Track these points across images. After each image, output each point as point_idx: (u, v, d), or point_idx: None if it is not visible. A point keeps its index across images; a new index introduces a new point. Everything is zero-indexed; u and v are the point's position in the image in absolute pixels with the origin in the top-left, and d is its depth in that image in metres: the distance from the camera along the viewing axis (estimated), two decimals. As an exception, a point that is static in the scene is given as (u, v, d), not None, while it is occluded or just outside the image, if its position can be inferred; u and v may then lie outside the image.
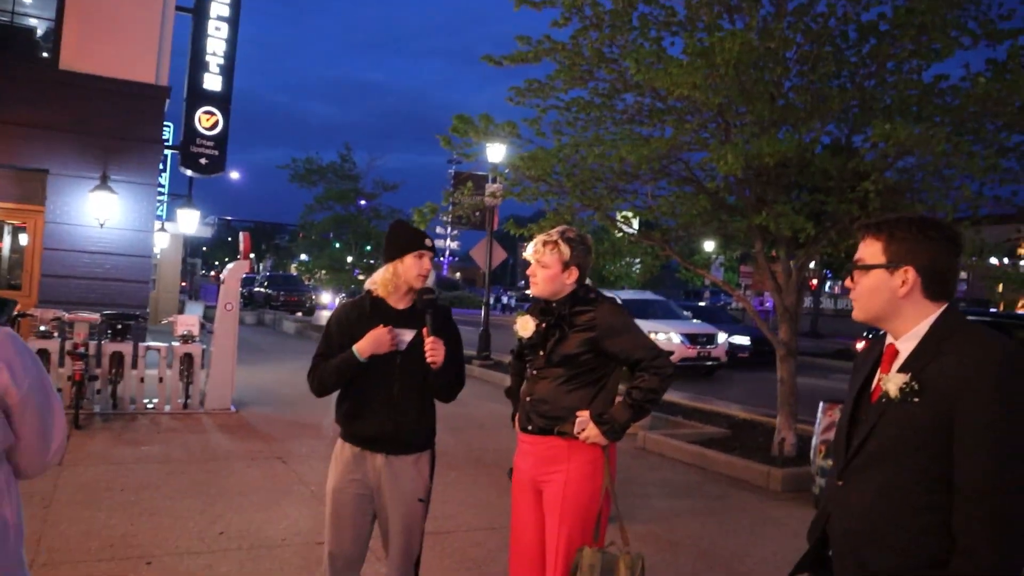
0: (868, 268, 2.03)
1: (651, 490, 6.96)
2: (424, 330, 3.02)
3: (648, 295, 19.47)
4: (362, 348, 2.98)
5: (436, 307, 3.10)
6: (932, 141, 6.25)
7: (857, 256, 2.07)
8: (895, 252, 1.99)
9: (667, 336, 15.90)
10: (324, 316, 26.71)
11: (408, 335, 3.07)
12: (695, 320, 18.29)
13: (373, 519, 3.16)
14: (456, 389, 3.21)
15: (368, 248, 25.03)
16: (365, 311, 3.11)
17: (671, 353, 16.67)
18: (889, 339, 2.05)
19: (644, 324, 15.67)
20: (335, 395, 3.17)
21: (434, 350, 2.98)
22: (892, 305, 1.99)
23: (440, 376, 3.05)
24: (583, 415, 2.93)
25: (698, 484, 7.31)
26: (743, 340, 18.83)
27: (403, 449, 3.08)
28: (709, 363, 16.60)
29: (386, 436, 3.04)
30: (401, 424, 3.05)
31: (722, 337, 16.92)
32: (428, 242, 3.12)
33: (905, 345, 1.98)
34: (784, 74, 7.25)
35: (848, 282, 2.11)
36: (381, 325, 3.00)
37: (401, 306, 3.13)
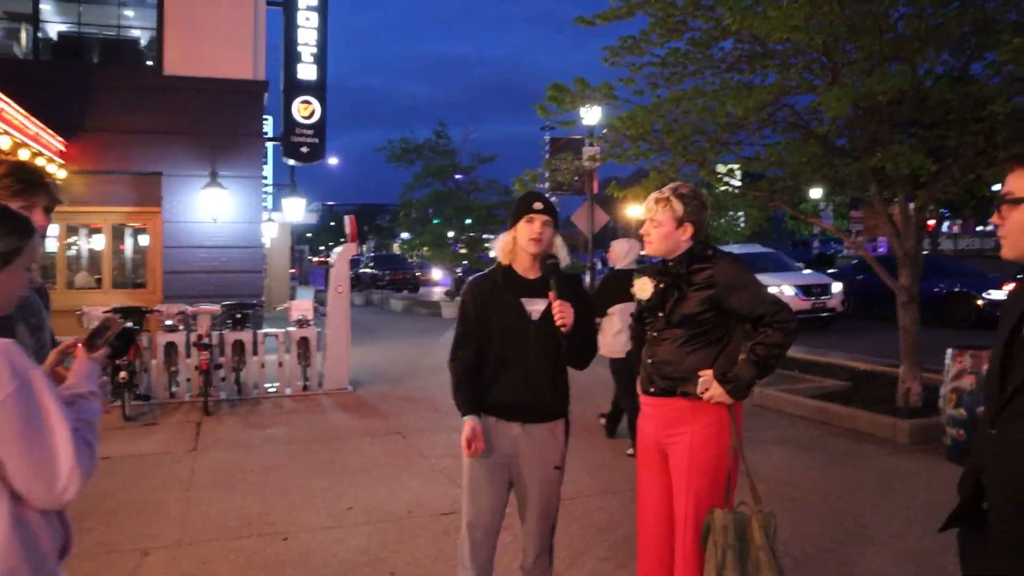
0: (1019, 201, 1.88)
1: (771, 448, 6.81)
2: (551, 295, 3.01)
3: (757, 248, 18.96)
4: (464, 434, 3.03)
5: (561, 272, 3.07)
6: None
7: (1005, 189, 1.91)
8: None
9: (779, 289, 15.34)
10: (432, 293, 27.14)
11: (540, 304, 3.07)
12: (807, 271, 17.55)
13: (509, 488, 3.19)
14: (588, 355, 3.19)
15: (468, 222, 25.22)
16: (497, 282, 3.12)
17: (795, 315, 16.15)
18: None
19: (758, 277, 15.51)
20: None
21: (563, 313, 2.96)
22: None
23: (570, 339, 3.02)
24: (706, 374, 2.88)
25: (819, 439, 7.11)
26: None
27: (539, 417, 3.10)
28: (825, 314, 15.97)
29: (522, 405, 3.07)
30: (536, 393, 3.07)
31: (837, 287, 16.24)
32: (538, 204, 3.08)
33: None
34: (892, 3, 6.85)
35: (995, 218, 1.95)
36: (469, 428, 3.02)
37: (531, 276, 3.12)
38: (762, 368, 2.84)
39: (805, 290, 15.81)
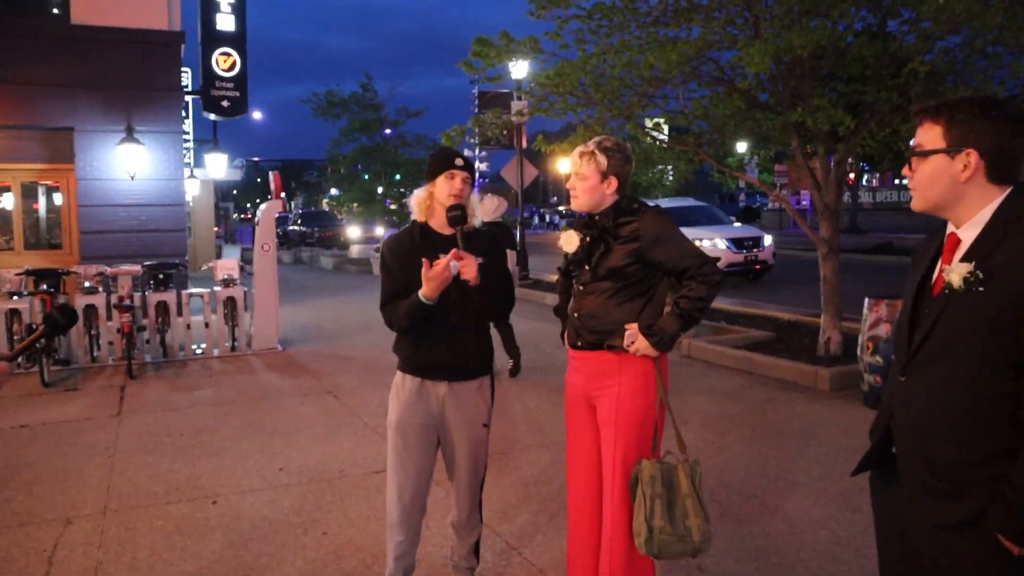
0: (927, 154, 1.93)
1: (698, 398, 6.99)
2: (454, 251, 2.96)
3: (689, 201, 19.09)
4: (427, 293, 2.92)
5: (473, 233, 3.06)
6: (988, 13, 5.96)
7: (915, 142, 1.97)
8: (955, 135, 1.89)
9: (712, 242, 15.58)
10: (358, 250, 26.85)
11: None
12: (737, 224, 17.73)
13: (436, 449, 3.20)
14: (504, 308, 3.20)
15: (397, 177, 24.93)
16: (415, 239, 3.09)
17: (718, 259, 16.61)
18: (950, 228, 1.97)
19: (687, 232, 15.52)
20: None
21: (464, 266, 2.93)
22: (953, 191, 1.91)
23: (479, 292, 2.99)
24: (632, 328, 2.90)
25: (745, 389, 7.32)
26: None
27: (465, 375, 3.10)
28: (757, 267, 16.23)
29: (448, 364, 3.06)
30: (461, 351, 3.07)
31: (768, 240, 16.44)
32: (459, 161, 3.06)
33: (968, 233, 1.90)
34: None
35: (905, 170, 2.01)
36: (427, 261, 2.91)
37: (447, 232, 3.08)
38: (686, 321, 2.88)
39: (737, 243, 15.96)
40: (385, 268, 3.14)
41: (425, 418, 3.11)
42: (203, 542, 4.17)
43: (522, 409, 6.70)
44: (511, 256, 8.29)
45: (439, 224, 3.10)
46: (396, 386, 3.18)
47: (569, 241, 3.09)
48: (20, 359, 8.46)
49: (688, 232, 15.54)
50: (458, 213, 3.01)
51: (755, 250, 16.07)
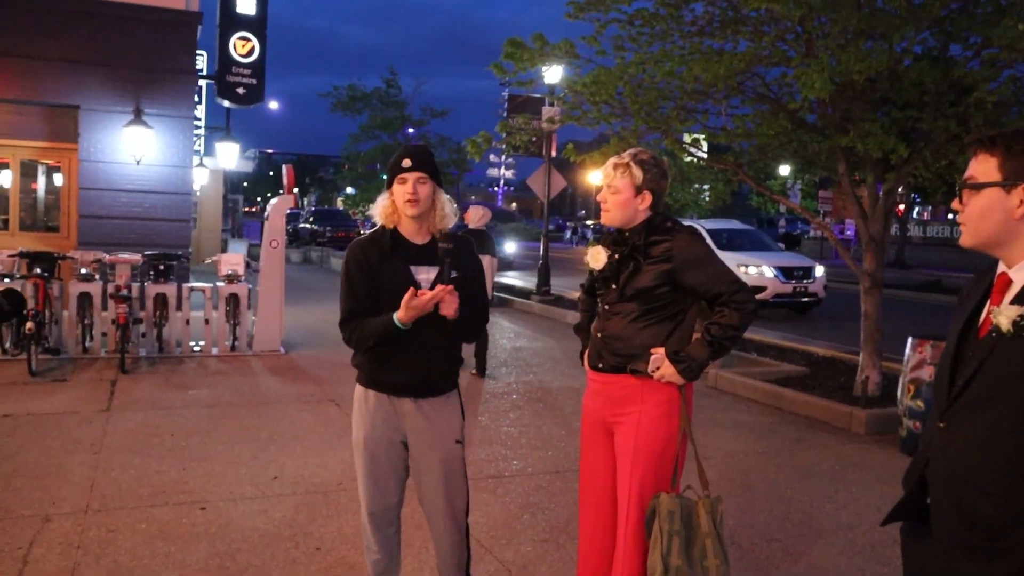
0: (980, 187, 1.92)
1: (723, 432, 6.95)
2: (439, 286, 2.93)
3: (735, 224, 18.71)
4: (404, 318, 2.88)
5: (455, 255, 3.01)
6: None
7: (967, 174, 1.95)
8: (1012, 168, 1.87)
9: (759, 270, 15.22)
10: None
11: (431, 272, 3.02)
12: (786, 251, 17.29)
13: (407, 466, 3.17)
14: (477, 329, 3.19)
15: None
16: (385, 249, 3.02)
17: (759, 289, 14.86)
18: (1001, 267, 1.95)
19: (733, 257, 15.14)
20: None
21: (446, 303, 2.89)
22: (1006, 228, 1.89)
23: (457, 325, 2.99)
24: (658, 352, 2.91)
25: (774, 426, 7.27)
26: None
27: (432, 392, 3.07)
28: (806, 299, 15.68)
29: (415, 381, 3.03)
30: (431, 367, 3.05)
31: (820, 270, 15.93)
32: (407, 162, 2.98)
33: (1020, 274, 1.89)
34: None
35: (955, 203, 1.99)
36: (413, 289, 2.88)
37: (419, 240, 3.06)
38: (716, 349, 2.88)
39: (786, 272, 15.48)
40: (348, 280, 3.05)
41: (394, 434, 3.09)
42: (188, 549, 4.19)
43: (535, 433, 6.70)
44: (490, 263, 8.68)
45: (410, 232, 3.06)
46: (359, 402, 3.14)
47: (596, 257, 3.10)
48: (8, 345, 8.56)
49: (732, 257, 15.10)
50: (448, 248, 2.99)
51: (805, 281, 15.57)
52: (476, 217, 9.08)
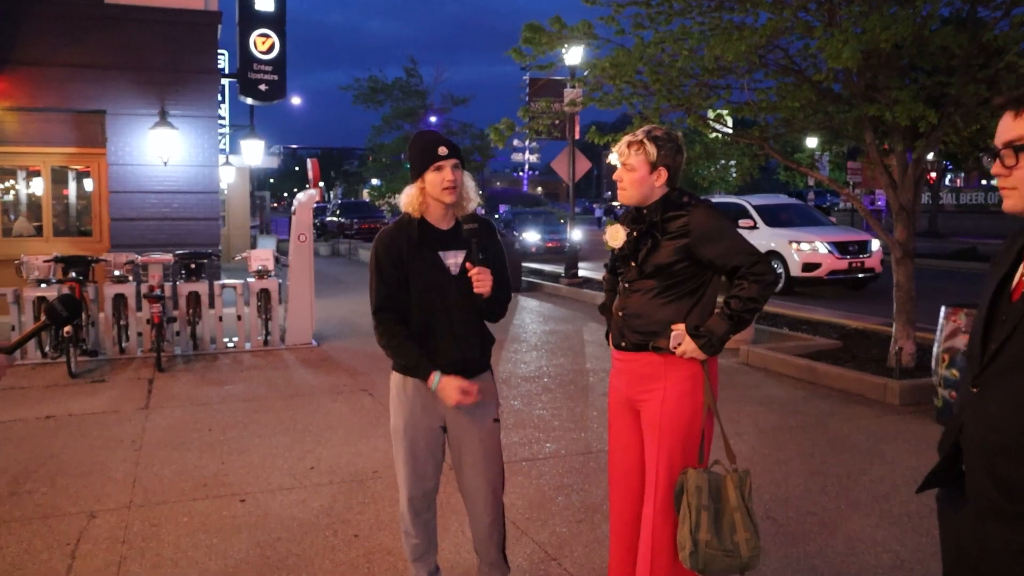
0: None
1: (756, 407, 6.95)
2: (468, 265, 3.04)
3: (783, 199, 18.44)
4: (444, 394, 3.00)
5: (480, 235, 3.07)
6: None
7: (1014, 135, 1.89)
8: None
9: (812, 246, 14.93)
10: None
11: (458, 256, 3.09)
12: (839, 225, 16.87)
13: (444, 450, 3.24)
14: (504, 306, 3.24)
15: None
16: (413, 237, 3.06)
17: (819, 266, 14.55)
18: None
19: (784, 233, 15.19)
20: None
21: (480, 281, 3.01)
22: None
23: (488, 303, 3.10)
24: (678, 328, 2.92)
25: (807, 400, 7.25)
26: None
27: (468, 374, 3.12)
28: (862, 275, 15.12)
29: (453, 365, 3.07)
30: (466, 350, 3.11)
31: (876, 244, 15.32)
32: (443, 150, 3.02)
33: None
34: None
35: (997, 167, 1.93)
36: (457, 379, 3.00)
37: (444, 226, 3.11)
38: (736, 323, 2.89)
39: (840, 247, 15.03)
40: (378, 269, 3.07)
41: (433, 420, 3.15)
42: (229, 541, 4.28)
43: (567, 415, 6.73)
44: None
45: (436, 219, 3.10)
46: (397, 389, 3.19)
47: (615, 236, 3.11)
48: (48, 349, 8.74)
49: (783, 234, 14.80)
50: (474, 227, 3.06)
51: (861, 256, 15.08)
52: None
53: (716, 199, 18.03)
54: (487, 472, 3.19)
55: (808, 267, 14.91)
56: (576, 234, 17.82)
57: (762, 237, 15.38)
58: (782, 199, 18.35)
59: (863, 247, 15.27)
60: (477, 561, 3.37)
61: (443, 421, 3.17)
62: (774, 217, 16.12)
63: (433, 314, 3.07)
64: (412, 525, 3.24)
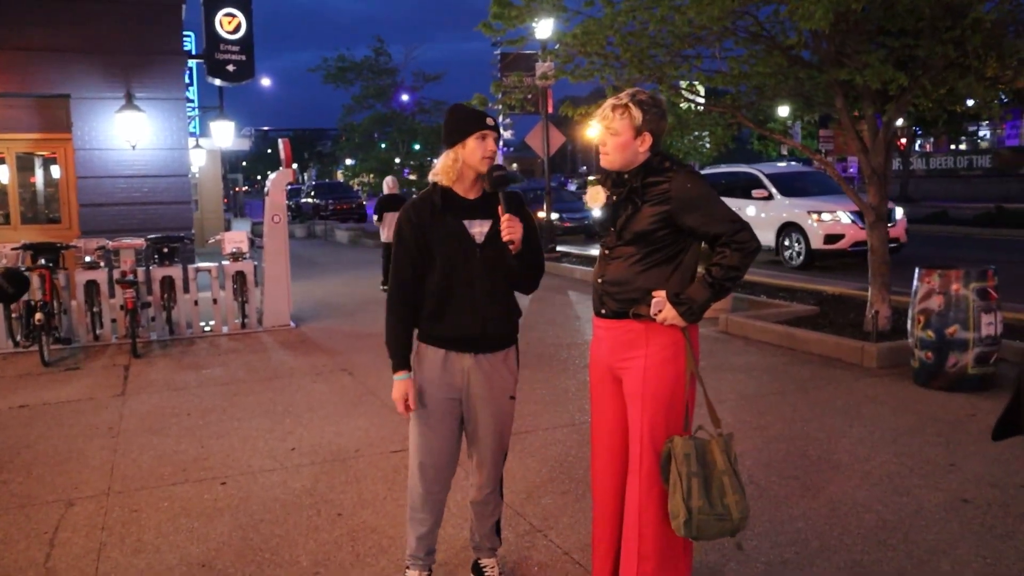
0: None
1: (736, 375, 6.96)
2: (499, 209, 2.99)
3: (797, 167, 17.48)
4: (394, 389, 3.10)
5: (508, 184, 3.05)
6: None
7: None
8: None
9: (833, 216, 13.93)
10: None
11: (484, 226, 3.05)
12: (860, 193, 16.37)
13: (461, 424, 3.21)
14: (537, 276, 3.19)
15: (416, 146, 24.96)
16: (436, 205, 3.05)
17: (842, 236, 13.70)
18: None
19: (802, 203, 14.29)
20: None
21: (511, 228, 2.95)
22: None
23: (519, 259, 3.03)
24: (659, 295, 2.88)
25: (786, 366, 7.28)
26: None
27: (490, 347, 3.11)
28: (890, 246, 14.71)
29: (473, 335, 3.05)
30: (488, 321, 3.07)
31: (899, 212, 14.39)
32: (490, 121, 3.03)
33: None
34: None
35: None
36: (409, 387, 3.09)
37: (472, 196, 3.08)
38: (717, 290, 2.85)
39: (864, 217, 14.63)
40: (400, 240, 3.08)
41: (449, 392, 3.12)
42: (211, 524, 4.23)
43: (549, 388, 6.71)
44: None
45: (464, 188, 3.07)
46: (417, 357, 3.17)
47: (595, 197, 3.06)
48: (20, 338, 8.59)
49: (802, 203, 13.86)
50: (503, 174, 3.03)
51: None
52: (391, 183, 13.63)
53: (724, 168, 17.29)
54: (495, 446, 3.20)
55: (830, 239, 13.92)
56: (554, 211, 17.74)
57: (778, 208, 14.81)
58: (796, 167, 17.34)
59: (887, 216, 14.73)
60: (469, 532, 3.36)
61: (460, 393, 3.13)
62: (789, 186, 15.13)
63: (454, 284, 3.03)
64: (422, 500, 3.20)
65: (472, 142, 2.99)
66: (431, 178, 3.13)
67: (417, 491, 3.20)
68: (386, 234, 12.43)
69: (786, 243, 14.66)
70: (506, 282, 3.11)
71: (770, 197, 15.09)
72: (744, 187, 15.60)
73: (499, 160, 3.12)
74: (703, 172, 16.72)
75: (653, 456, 2.91)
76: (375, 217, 13.29)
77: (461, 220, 3.04)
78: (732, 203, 14.70)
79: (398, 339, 3.10)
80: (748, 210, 15.16)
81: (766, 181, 15.45)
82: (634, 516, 2.95)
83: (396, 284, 3.11)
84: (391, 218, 12.09)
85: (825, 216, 14.04)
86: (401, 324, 3.10)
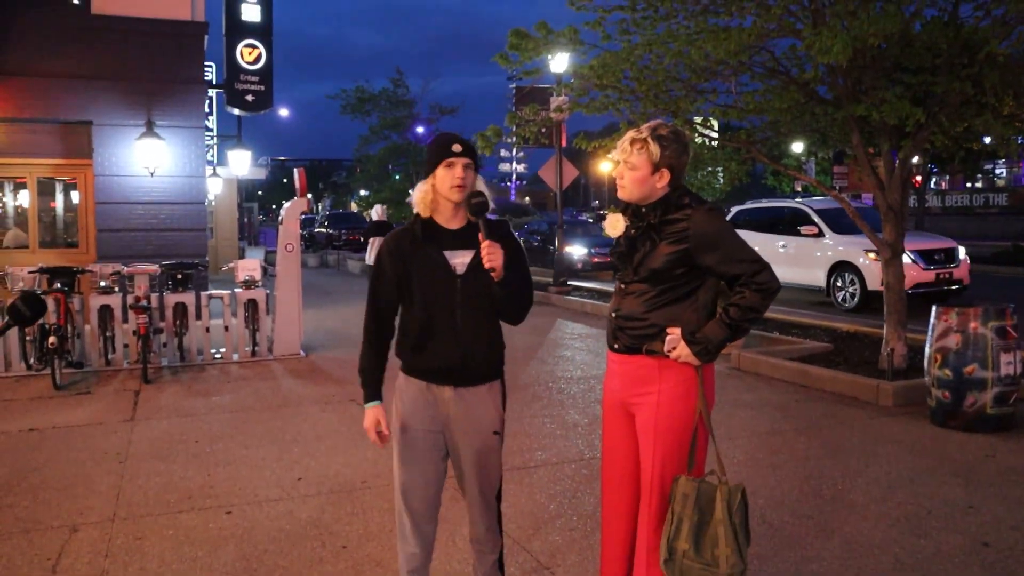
0: None
1: (749, 412, 6.86)
2: (480, 235, 2.90)
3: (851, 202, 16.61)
4: (365, 418, 3.12)
5: (486, 210, 2.97)
6: None
7: None
8: None
9: None
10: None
11: (465, 256, 2.96)
12: (917, 230, 14.96)
13: (446, 456, 3.13)
14: (524, 306, 3.07)
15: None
16: (416, 236, 2.97)
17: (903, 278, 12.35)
18: None
19: (855, 240, 12.97)
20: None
21: (491, 255, 2.85)
22: None
23: (504, 287, 2.92)
24: (674, 333, 2.81)
25: (800, 403, 7.17)
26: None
27: (472, 380, 3.01)
28: (953, 287, 13.11)
29: (454, 368, 2.97)
30: (469, 353, 2.97)
31: (962, 252, 13.48)
32: (456, 147, 2.92)
33: None
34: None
35: None
36: (379, 412, 3.10)
37: (454, 225, 3.00)
38: (734, 331, 2.77)
39: (926, 256, 13.02)
40: (379, 270, 3.03)
41: (431, 424, 3.04)
42: (215, 553, 4.16)
43: (558, 422, 6.63)
44: None
45: (445, 218, 2.99)
46: (399, 389, 3.11)
47: (614, 225, 2.99)
48: (32, 361, 8.59)
49: (855, 241, 12.69)
50: (482, 200, 2.94)
51: (949, 265, 13.06)
52: (380, 211, 15.08)
53: (767, 203, 16.62)
54: (480, 482, 3.09)
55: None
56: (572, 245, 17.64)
57: (829, 246, 13.74)
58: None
59: (950, 255, 13.27)
60: (472, 569, 3.27)
61: (442, 426, 3.06)
62: (841, 222, 13.68)
63: (435, 314, 2.95)
64: (410, 533, 3.10)
65: (441, 171, 2.92)
66: (415, 209, 3.06)
67: (405, 524, 3.11)
68: (371, 257, 13.33)
69: (839, 284, 13.51)
70: (490, 313, 3.01)
71: (820, 234, 14.00)
72: (791, 223, 14.76)
73: (480, 186, 3.00)
74: (750, 205, 16.50)
75: (662, 492, 2.84)
76: (364, 240, 13.96)
77: (442, 251, 2.95)
78: (777, 240, 14.72)
79: (372, 369, 3.10)
80: (796, 248, 14.40)
81: (816, 217, 14.37)
82: (643, 555, 2.87)
83: (373, 313, 3.07)
84: (378, 243, 12.55)
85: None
86: (376, 354, 3.09)
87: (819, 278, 13.83)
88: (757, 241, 14.70)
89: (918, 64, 7.31)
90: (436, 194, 2.96)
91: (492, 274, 2.87)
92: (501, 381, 3.13)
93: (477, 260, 2.93)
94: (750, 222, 15.54)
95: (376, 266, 3.06)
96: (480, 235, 2.90)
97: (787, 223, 14.91)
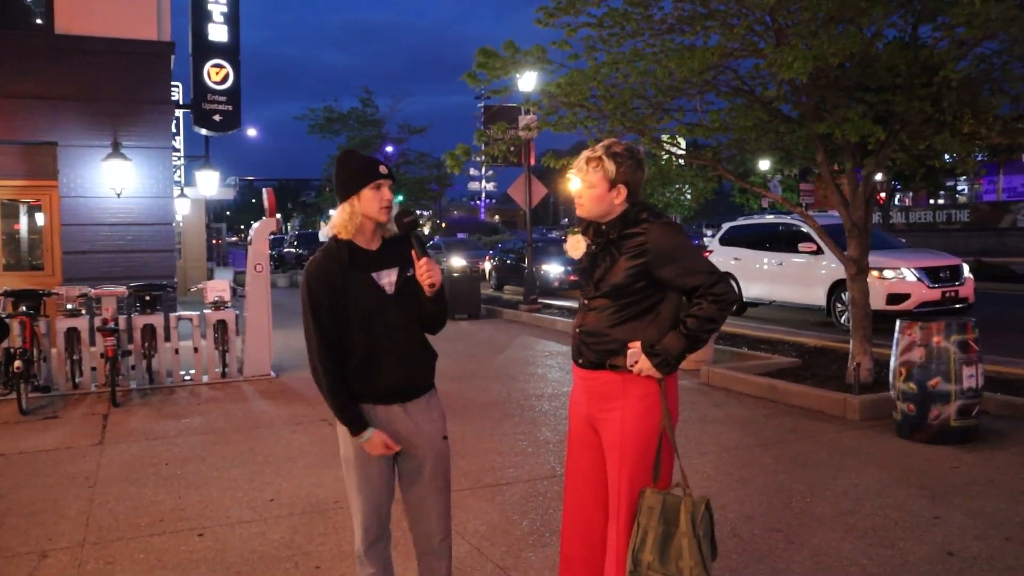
0: None
1: (718, 427, 6.94)
2: (413, 253, 2.96)
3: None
4: (369, 445, 2.96)
5: (417, 227, 3.03)
6: None
7: None
8: None
9: (896, 273, 12.34)
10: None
11: (391, 275, 2.99)
12: (919, 248, 14.54)
13: (395, 475, 3.13)
14: (445, 315, 3.13)
15: (400, 197, 25.08)
16: (343, 261, 2.95)
17: (907, 297, 12.00)
18: None
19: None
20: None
21: (430, 270, 2.91)
22: None
23: (436, 302, 2.99)
24: (634, 347, 2.88)
25: (768, 418, 7.27)
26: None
27: (416, 394, 3.05)
28: (958, 306, 12.62)
29: (400, 386, 3.00)
30: (412, 370, 3.02)
31: (966, 270, 13.10)
32: (383, 169, 2.97)
33: None
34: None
35: None
36: (383, 435, 2.97)
37: (374, 247, 3.01)
38: (692, 342, 2.84)
39: (931, 274, 12.52)
40: (313, 305, 2.92)
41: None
42: (187, 576, 4.14)
43: (530, 440, 6.67)
44: None
45: (366, 240, 3.00)
46: None
47: (576, 246, 3.07)
48: (-2, 385, 8.47)
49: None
50: (414, 218, 3.01)
51: (954, 283, 12.61)
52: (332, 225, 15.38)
53: (759, 219, 16.07)
54: (440, 489, 3.11)
55: (894, 299, 12.23)
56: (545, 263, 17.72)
57: (830, 264, 12.84)
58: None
59: (955, 273, 12.82)
60: None
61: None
62: (841, 240, 12.64)
63: (375, 337, 2.95)
64: (366, 555, 3.10)
65: (367, 192, 2.92)
66: (329, 232, 3.02)
67: (362, 547, 3.09)
68: None
69: (839, 303, 12.83)
70: (420, 327, 3.06)
71: (820, 251, 13.17)
72: (788, 240, 14.19)
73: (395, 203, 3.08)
74: (743, 221, 16.12)
75: (630, 507, 2.89)
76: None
77: (369, 273, 2.97)
78: (774, 257, 14.22)
79: (349, 401, 2.97)
80: (795, 266, 13.80)
81: (815, 233, 13.21)
82: (612, 569, 2.91)
83: (324, 348, 2.93)
84: None
85: (888, 273, 12.35)
86: (343, 387, 2.97)
87: (819, 297, 13.26)
88: (751, 259, 14.59)
89: (879, 84, 7.49)
90: (361, 216, 2.96)
91: (431, 289, 2.94)
92: (435, 389, 3.18)
93: (402, 278, 2.99)
94: (743, 239, 15.22)
95: (309, 300, 2.95)
96: (414, 252, 2.97)
97: (786, 240, 14.32)
